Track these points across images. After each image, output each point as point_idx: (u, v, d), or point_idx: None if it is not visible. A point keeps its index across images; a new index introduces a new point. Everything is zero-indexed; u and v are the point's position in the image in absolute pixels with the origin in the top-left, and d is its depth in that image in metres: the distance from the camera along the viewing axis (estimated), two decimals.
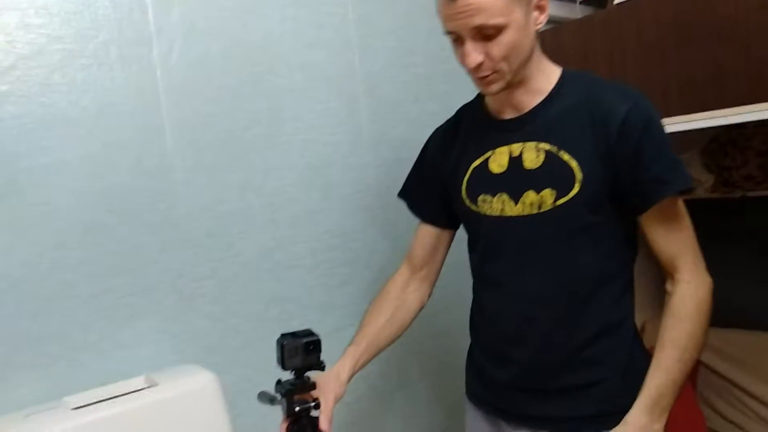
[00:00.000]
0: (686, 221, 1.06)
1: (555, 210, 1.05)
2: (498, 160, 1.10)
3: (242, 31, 1.34)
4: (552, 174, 1.05)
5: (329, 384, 1.12)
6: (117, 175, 1.17)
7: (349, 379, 1.16)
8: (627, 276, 1.12)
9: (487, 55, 1.00)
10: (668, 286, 1.07)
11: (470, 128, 1.18)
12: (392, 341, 1.24)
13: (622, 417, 1.03)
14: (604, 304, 1.08)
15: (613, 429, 1.04)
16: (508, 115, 1.11)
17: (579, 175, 1.03)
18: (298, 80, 1.43)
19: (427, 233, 1.28)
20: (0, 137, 1.05)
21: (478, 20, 0.97)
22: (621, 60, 1.55)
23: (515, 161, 1.08)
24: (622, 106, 1.02)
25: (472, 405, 1.25)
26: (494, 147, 1.11)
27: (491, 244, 1.15)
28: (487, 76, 1.03)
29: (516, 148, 1.08)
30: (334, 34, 1.49)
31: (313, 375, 1.09)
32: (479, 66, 1.01)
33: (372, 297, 1.29)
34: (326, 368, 1.10)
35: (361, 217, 1.55)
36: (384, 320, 1.23)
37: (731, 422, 2.04)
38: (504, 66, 1.01)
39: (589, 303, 1.07)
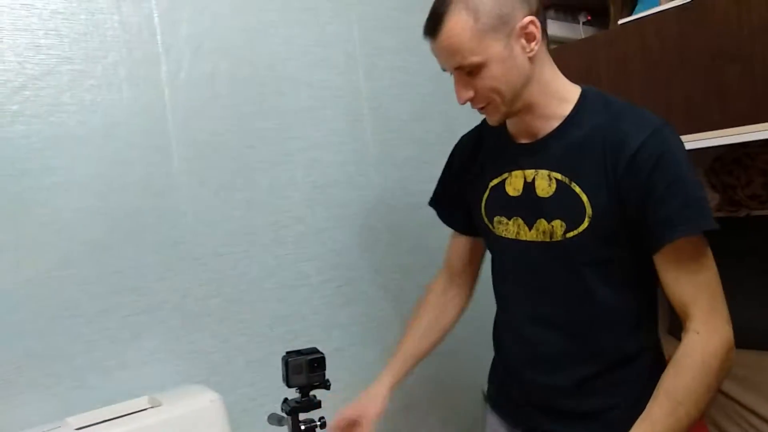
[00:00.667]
0: (705, 265, 0.96)
1: (565, 241, 1.02)
2: (514, 184, 1.09)
3: (249, 50, 1.35)
4: (563, 205, 1.02)
5: (370, 401, 1.16)
6: (123, 194, 1.18)
7: (390, 392, 1.19)
8: (644, 308, 1.06)
9: (475, 89, 1.00)
10: (682, 334, 0.97)
11: (492, 144, 1.16)
12: (433, 348, 1.27)
13: None
14: (618, 336, 1.04)
15: None
16: (524, 139, 1.09)
17: (589, 210, 0.98)
18: (303, 99, 1.44)
19: (460, 243, 1.28)
20: (9, 156, 1.06)
21: (455, 61, 0.98)
22: (625, 80, 1.55)
23: (529, 187, 1.06)
24: (637, 136, 0.95)
25: (492, 412, 1.25)
26: (511, 169, 1.09)
27: (506, 264, 1.15)
28: (483, 108, 1.03)
29: (529, 174, 1.06)
30: (340, 53, 1.51)
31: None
32: (471, 100, 1.02)
33: (377, 316, 1.29)
34: (333, 387, 1.11)
35: (366, 237, 1.55)
36: (424, 328, 1.26)
37: None
38: (496, 98, 1.00)
39: (600, 334, 1.05)
